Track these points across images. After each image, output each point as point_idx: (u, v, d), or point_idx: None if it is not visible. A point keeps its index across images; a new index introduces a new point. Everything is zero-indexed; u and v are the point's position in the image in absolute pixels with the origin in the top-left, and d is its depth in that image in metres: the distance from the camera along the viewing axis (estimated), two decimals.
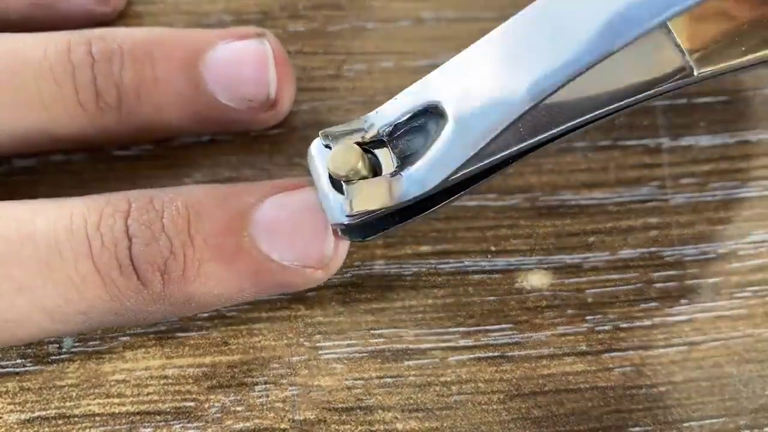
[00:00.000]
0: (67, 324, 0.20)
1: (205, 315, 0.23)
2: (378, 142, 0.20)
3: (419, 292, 0.23)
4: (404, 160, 0.20)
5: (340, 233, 0.20)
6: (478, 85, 0.19)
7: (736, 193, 0.25)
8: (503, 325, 0.23)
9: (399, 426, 0.22)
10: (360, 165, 0.19)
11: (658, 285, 0.23)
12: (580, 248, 0.24)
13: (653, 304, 0.23)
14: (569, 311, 0.23)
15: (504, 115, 0.18)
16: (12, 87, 0.21)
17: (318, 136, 0.20)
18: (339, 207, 0.20)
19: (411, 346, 0.23)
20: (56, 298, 0.19)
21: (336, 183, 0.20)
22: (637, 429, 0.22)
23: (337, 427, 0.22)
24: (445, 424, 0.22)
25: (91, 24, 0.24)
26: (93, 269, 0.19)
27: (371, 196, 0.19)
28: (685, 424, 0.22)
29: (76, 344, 0.22)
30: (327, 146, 0.20)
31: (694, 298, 0.23)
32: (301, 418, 0.22)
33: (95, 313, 0.20)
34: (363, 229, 0.20)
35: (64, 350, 0.22)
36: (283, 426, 0.22)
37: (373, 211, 0.19)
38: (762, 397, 0.22)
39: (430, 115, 0.20)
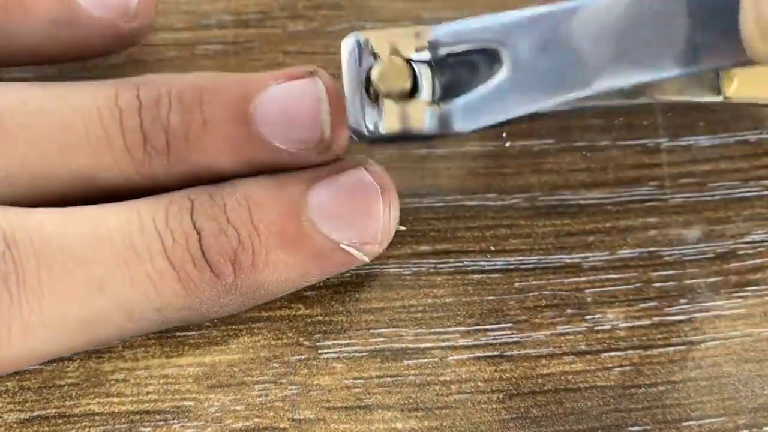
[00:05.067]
0: (143, 322, 0.20)
1: None
2: (424, 62, 0.19)
3: (419, 291, 0.23)
4: (446, 91, 0.19)
5: (351, 134, 0.20)
6: (553, 51, 0.18)
7: (736, 193, 0.25)
8: (502, 325, 0.23)
9: (398, 425, 0.22)
10: (408, 85, 0.19)
11: (657, 284, 0.23)
12: (579, 248, 0.24)
13: (652, 303, 0.23)
14: (568, 311, 0.23)
15: (572, 92, 0.18)
16: (60, 130, 0.20)
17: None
18: (367, 116, 0.19)
19: (410, 346, 0.23)
20: (135, 296, 0.20)
21: (369, 89, 0.19)
22: (636, 428, 0.22)
23: (336, 427, 0.22)
24: (444, 424, 0.22)
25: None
26: (168, 265, 0.20)
27: (407, 118, 0.19)
28: (684, 424, 0.22)
29: None
30: (374, 54, 0.19)
31: (693, 298, 0.23)
32: (301, 418, 0.22)
33: (170, 309, 0.20)
34: (376, 140, 0.20)
35: None
36: (282, 425, 0.22)
37: (403, 133, 0.19)
38: (761, 397, 0.22)
39: (485, 54, 0.19)
